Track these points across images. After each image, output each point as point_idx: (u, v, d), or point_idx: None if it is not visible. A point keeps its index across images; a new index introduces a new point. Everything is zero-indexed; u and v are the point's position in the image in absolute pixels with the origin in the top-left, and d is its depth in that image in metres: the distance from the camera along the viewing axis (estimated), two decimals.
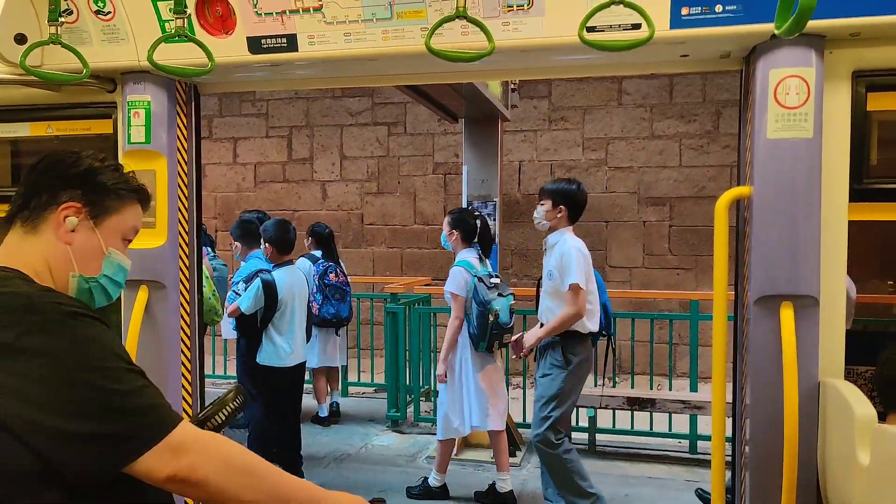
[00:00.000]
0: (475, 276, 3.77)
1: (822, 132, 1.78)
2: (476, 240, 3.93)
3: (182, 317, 2.30)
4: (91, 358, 0.95)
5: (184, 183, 2.29)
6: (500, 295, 3.76)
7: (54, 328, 0.94)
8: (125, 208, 1.18)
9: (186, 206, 2.31)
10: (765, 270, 1.83)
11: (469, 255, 3.87)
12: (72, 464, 0.91)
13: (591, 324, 3.56)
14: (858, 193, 1.85)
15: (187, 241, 2.32)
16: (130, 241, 1.24)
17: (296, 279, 4.18)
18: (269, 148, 8.38)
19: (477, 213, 4.20)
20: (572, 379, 3.57)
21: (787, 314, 1.78)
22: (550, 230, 3.57)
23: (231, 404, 1.27)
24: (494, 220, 5.37)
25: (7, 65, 2.12)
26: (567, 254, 3.43)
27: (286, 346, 4.05)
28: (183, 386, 2.32)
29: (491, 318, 3.69)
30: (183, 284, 2.30)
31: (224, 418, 1.25)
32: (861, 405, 1.58)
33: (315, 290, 5.08)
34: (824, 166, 1.79)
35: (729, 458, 2.02)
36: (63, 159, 1.16)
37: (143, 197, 1.24)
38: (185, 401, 2.32)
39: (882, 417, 1.67)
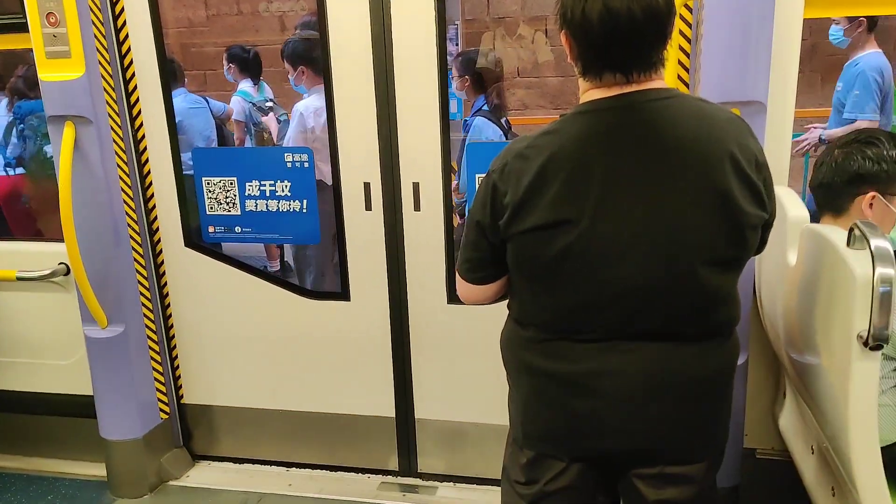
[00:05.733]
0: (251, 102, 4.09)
1: None
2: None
3: (118, 154, 2.21)
4: None
5: (96, 6, 2.08)
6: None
7: None
8: None
9: (104, 32, 2.12)
10: (717, 77, 1.74)
11: (245, 85, 4.14)
12: None
13: None
14: None
15: (110, 71, 2.16)
16: None
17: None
18: None
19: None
20: None
21: None
22: None
23: None
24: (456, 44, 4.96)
25: None
26: None
27: None
28: (129, 224, 2.28)
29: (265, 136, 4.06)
30: (113, 119, 2.18)
31: None
32: (795, 208, 1.58)
33: None
34: None
35: None
36: None
37: None
38: (134, 239, 2.30)
39: (817, 221, 1.67)
